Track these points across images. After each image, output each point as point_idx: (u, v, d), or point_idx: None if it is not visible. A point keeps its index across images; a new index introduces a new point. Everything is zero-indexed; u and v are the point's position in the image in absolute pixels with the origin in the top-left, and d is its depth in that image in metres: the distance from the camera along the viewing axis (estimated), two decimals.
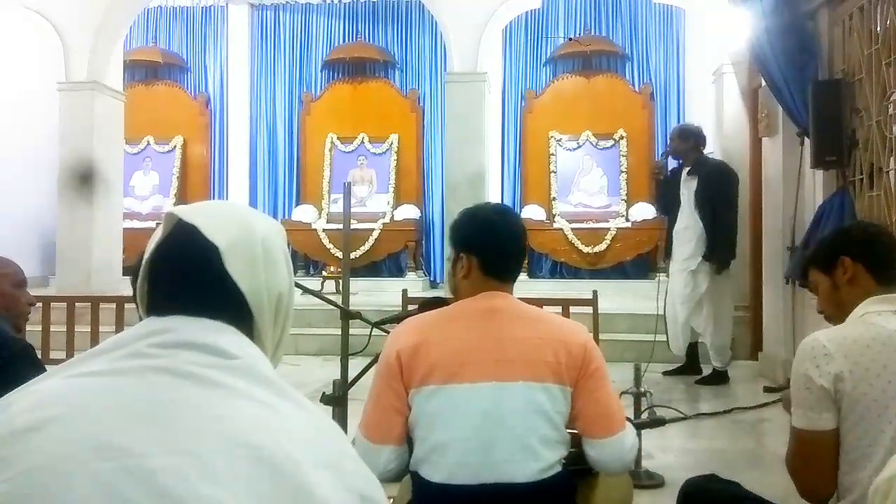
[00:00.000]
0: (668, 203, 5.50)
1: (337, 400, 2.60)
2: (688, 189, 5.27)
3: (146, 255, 0.91)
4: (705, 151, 5.48)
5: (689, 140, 5.35)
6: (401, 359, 1.69)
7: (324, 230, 9.41)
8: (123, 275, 7.74)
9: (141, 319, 0.89)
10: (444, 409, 1.65)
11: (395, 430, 1.70)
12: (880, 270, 1.73)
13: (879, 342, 1.61)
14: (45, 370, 1.99)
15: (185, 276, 0.88)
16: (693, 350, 5.48)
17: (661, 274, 8.49)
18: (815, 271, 1.87)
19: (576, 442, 1.74)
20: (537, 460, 1.62)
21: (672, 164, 5.66)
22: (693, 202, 5.22)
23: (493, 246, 1.79)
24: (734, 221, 5.26)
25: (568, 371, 1.67)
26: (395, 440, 1.70)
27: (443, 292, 7.38)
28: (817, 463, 1.65)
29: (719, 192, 5.15)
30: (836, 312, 1.81)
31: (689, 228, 5.24)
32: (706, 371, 5.40)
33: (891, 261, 1.76)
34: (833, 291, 1.80)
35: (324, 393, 2.60)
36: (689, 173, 5.31)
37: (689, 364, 5.49)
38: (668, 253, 5.53)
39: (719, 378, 5.27)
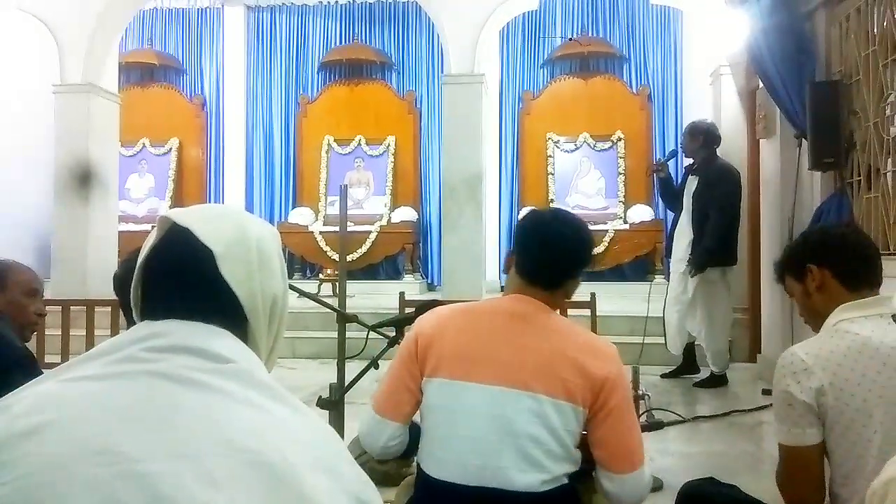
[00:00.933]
0: (674, 202, 5.47)
1: (333, 404, 2.58)
2: (689, 189, 5.26)
3: (140, 259, 0.91)
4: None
5: (698, 138, 5.25)
6: (418, 343, 1.71)
7: (320, 232, 9.39)
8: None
9: (129, 324, 0.89)
10: (451, 405, 1.64)
11: (403, 408, 1.72)
12: (847, 275, 1.70)
13: (855, 351, 1.60)
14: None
15: (179, 280, 0.88)
16: (690, 350, 5.46)
17: (659, 276, 8.52)
18: (788, 277, 1.84)
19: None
20: (541, 472, 1.59)
21: (689, 162, 5.57)
22: (690, 203, 5.21)
23: (530, 251, 1.76)
24: (726, 225, 5.09)
25: (583, 394, 1.62)
26: (402, 418, 1.72)
27: (440, 294, 7.37)
28: (805, 477, 1.65)
29: (712, 194, 5.07)
30: (813, 319, 1.79)
31: (683, 230, 5.25)
32: (704, 371, 5.39)
33: (857, 263, 1.72)
34: (806, 298, 1.78)
35: (320, 397, 2.59)
36: (692, 173, 5.28)
37: (686, 364, 5.48)
38: (668, 253, 5.53)
39: (717, 381, 5.25)
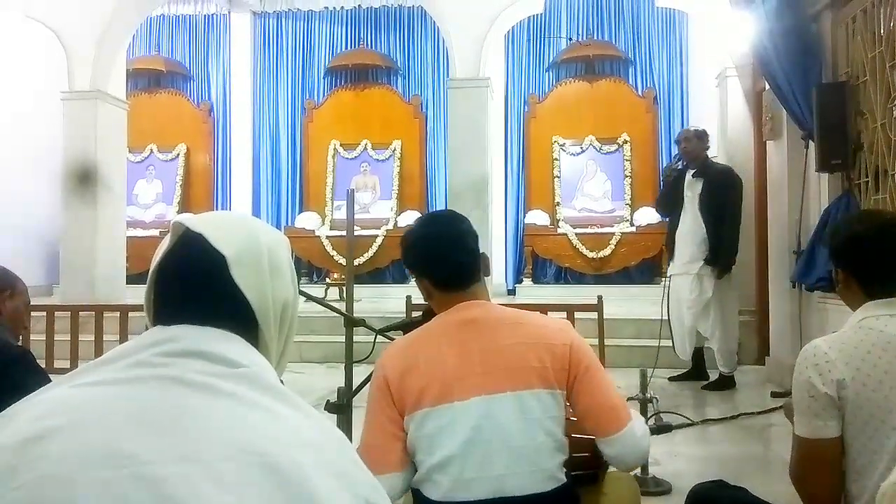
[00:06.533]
0: (669, 204, 5.46)
1: (341, 407, 2.58)
2: (692, 192, 5.24)
3: (153, 264, 0.92)
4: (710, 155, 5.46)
5: (704, 141, 5.34)
6: (389, 383, 1.66)
7: (327, 237, 9.41)
8: (128, 283, 7.76)
9: (148, 328, 0.89)
10: (438, 431, 1.61)
11: (394, 455, 1.66)
12: (867, 281, 1.70)
13: (880, 347, 1.60)
14: (45, 375, 1.99)
15: (191, 285, 0.89)
16: (699, 355, 5.45)
17: (666, 279, 8.50)
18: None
19: (574, 447, 1.71)
20: (536, 471, 1.60)
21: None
22: (697, 205, 5.19)
23: (434, 262, 1.75)
24: (738, 226, 5.26)
25: (556, 374, 1.63)
26: (396, 466, 1.66)
27: None
28: (824, 471, 1.63)
29: (727, 196, 5.13)
30: (844, 301, 1.82)
31: (692, 231, 5.22)
32: (713, 376, 5.37)
33: (878, 267, 1.70)
34: (836, 284, 1.82)
35: (328, 400, 2.59)
36: (694, 175, 5.27)
37: (696, 369, 5.46)
38: (670, 255, 5.50)
39: (725, 383, 5.25)
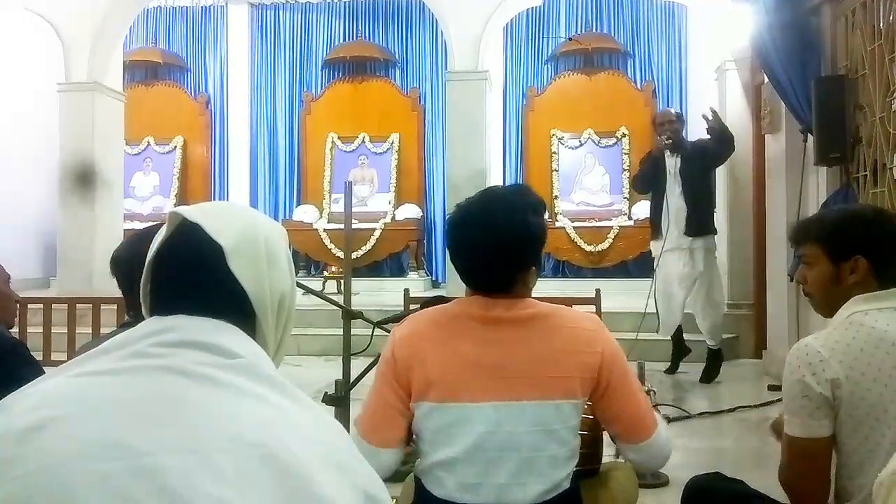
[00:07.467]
0: (649, 182, 5.53)
1: (339, 400, 2.59)
2: (674, 169, 5.35)
3: (150, 255, 0.92)
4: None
5: (683, 121, 5.63)
6: (397, 364, 1.62)
7: (325, 230, 9.40)
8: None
9: (129, 317, 0.89)
10: (444, 429, 1.57)
11: (396, 432, 1.63)
12: (885, 275, 1.67)
13: (872, 345, 1.58)
14: (39, 367, 1.97)
15: (188, 276, 0.89)
16: (678, 333, 5.50)
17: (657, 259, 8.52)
18: (817, 249, 1.73)
19: (584, 441, 1.69)
20: (543, 482, 1.55)
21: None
22: (680, 181, 5.29)
23: (465, 267, 1.65)
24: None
25: (582, 383, 1.57)
26: (397, 443, 1.63)
27: (444, 291, 7.37)
28: (816, 470, 1.63)
29: (707, 167, 5.38)
30: (825, 304, 1.73)
31: (681, 208, 5.31)
32: (691, 347, 5.46)
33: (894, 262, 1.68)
34: (831, 284, 1.70)
35: (326, 393, 2.59)
36: (672, 153, 5.36)
37: (678, 348, 5.52)
38: (655, 234, 5.53)
39: (716, 357, 5.31)
